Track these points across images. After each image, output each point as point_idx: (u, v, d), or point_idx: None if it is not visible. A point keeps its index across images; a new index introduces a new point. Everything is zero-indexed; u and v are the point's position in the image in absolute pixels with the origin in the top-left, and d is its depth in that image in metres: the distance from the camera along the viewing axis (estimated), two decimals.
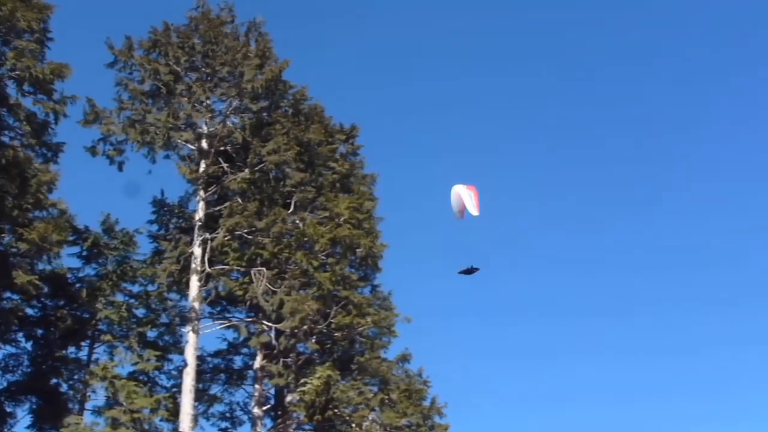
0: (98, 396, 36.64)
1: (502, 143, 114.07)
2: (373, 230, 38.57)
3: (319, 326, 35.52)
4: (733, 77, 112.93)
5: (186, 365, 35.19)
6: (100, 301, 38.92)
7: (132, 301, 40.12)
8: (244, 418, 40.41)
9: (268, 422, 37.85)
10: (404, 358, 37.33)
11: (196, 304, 35.80)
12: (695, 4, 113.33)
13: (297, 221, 36.88)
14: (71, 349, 39.83)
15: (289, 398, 36.52)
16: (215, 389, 40.74)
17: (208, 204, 37.54)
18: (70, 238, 38.75)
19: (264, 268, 35.57)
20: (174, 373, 39.59)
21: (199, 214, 37.06)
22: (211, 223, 37.14)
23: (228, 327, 38.25)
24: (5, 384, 37.99)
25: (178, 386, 36.58)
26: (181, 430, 34.04)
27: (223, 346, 40.61)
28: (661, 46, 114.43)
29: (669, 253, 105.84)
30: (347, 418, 34.52)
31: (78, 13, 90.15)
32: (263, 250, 35.79)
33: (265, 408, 37.54)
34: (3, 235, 34.18)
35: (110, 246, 40.67)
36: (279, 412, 37.62)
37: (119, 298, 39.92)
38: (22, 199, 33.54)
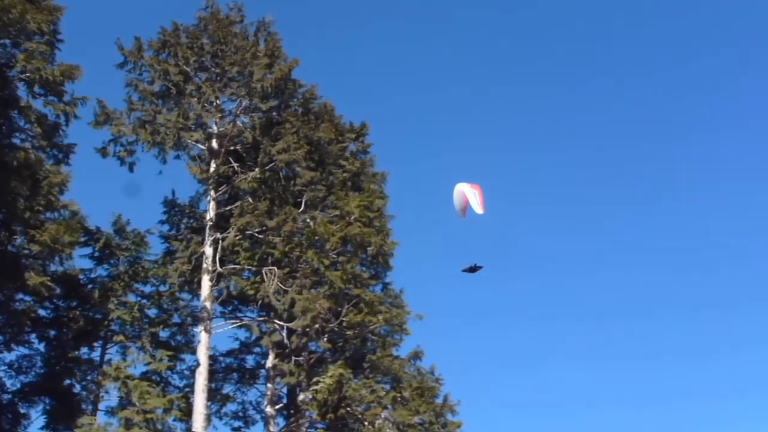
0: (111, 396, 36.83)
1: (512, 141, 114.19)
2: (384, 228, 38.55)
3: (330, 325, 35.53)
4: (734, 78, 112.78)
5: (198, 365, 35.24)
6: (112, 301, 38.98)
7: (144, 301, 40.16)
8: (257, 417, 40.51)
9: (281, 421, 37.92)
10: (416, 356, 37.33)
11: (208, 304, 35.84)
12: (696, 4, 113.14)
13: (308, 220, 36.90)
14: (84, 349, 39.97)
15: (301, 397, 36.57)
16: (228, 389, 40.86)
17: (219, 204, 37.59)
18: (82, 239, 38.82)
19: (275, 267, 35.59)
20: (186, 372, 39.68)
21: (210, 214, 37.10)
22: (222, 222, 37.18)
23: (240, 326, 38.29)
24: (19, 385, 38.15)
25: (191, 386, 36.61)
26: (194, 429, 34.09)
27: (235, 345, 40.75)
28: (663, 47, 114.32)
29: (679, 254, 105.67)
30: (360, 416, 34.51)
31: (88, 15, 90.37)
32: (274, 249, 35.81)
33: (277, 407, 37.59)
34: (15, 236, 34.26)
35: (122, 247, 40.73)
36: (291, 411, 37.67)
37: (131, 298, 39.98)
38: (34, 200, 33.61)
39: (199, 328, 35.89)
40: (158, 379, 38.43)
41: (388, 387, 35.83)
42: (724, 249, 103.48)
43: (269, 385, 37.49)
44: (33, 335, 38.69)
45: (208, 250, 36.39)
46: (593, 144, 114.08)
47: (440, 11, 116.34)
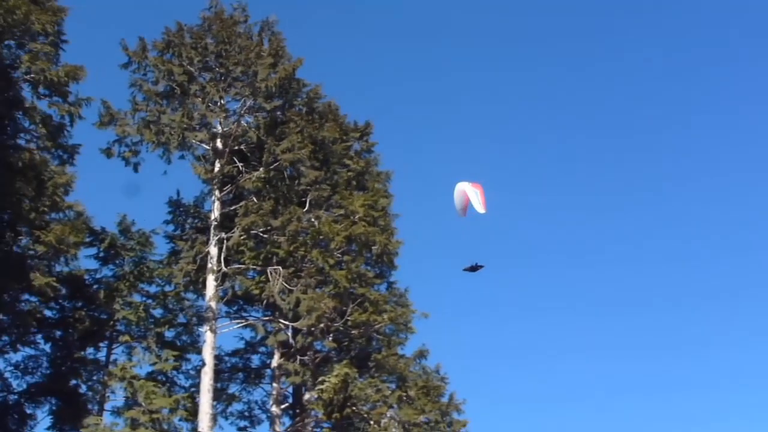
0: (117, 396, 36.94)
1: (517, 139, 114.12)
2: (389, 227, 38.56)
3: (335, 324, 35.54)
4: (732, 74, 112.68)
5: (204, 365, 35.28)
6: (117, 302, 39.05)
7: (149, 301, 40.24)
8: (263, 416, 40.57)
9: (287, 420, 37.92)
10: (421, 354, 37.32)
11: (213, 304, 35.86)
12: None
13: (312, 219, 36.89)
14: (90, 350, 40.02)
15: (307, 396, 36.57)
16: (233, 388, 40.93)
17: (224, 203, 37.62)
18: (87, 240, 38.90)
19: (280, 267, 35.60)
20: (192, 372, 39.73)
21: (215, 214, 37.13)
22: (226, 222, 37.21)
23: (245, 326, 38.30)
24: (25, 386, 38.18)
25: (197, 386, 36.68)
26: (200, 429, 34.12)
27: (241, 345, 40.80)
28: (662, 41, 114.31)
29: (679, 246, 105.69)
30: (365, 415, 34.52)
31: (92, 15, 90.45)
32: (279, 248, 35.83)
33: (283, 406, 37.60)
34: (20, 237, 34.33)
35: (127, 247, 40.78)
36: (297, 411, 37.69)
37: (136, 298, 40.05)
38: (39, 201, 33.69)
39: (205, 328, 35.92)
40: (164, 379, 38.52)
41: (393, 386, 35.83)
42: (725, 240, 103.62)
43: (275, 384, 37.50)
44: (39, 336, 38.74)
45: (213, 250, 36.42)
46: (595, 142, 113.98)
47: (444, 10, 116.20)
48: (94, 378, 39.60)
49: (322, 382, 34.32)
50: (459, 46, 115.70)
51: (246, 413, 40.84)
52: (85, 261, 39.72)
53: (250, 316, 39.27)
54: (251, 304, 39.14)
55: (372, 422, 34.24)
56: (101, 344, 40.23)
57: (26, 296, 36.41)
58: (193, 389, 38.24)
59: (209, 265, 36.19)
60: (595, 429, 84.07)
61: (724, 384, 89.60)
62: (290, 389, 38.42)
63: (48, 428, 37.61)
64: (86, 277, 40.25)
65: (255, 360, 41.27)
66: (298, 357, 35.77)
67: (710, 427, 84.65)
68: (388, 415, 34.54)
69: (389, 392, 35.03)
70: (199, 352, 37.79)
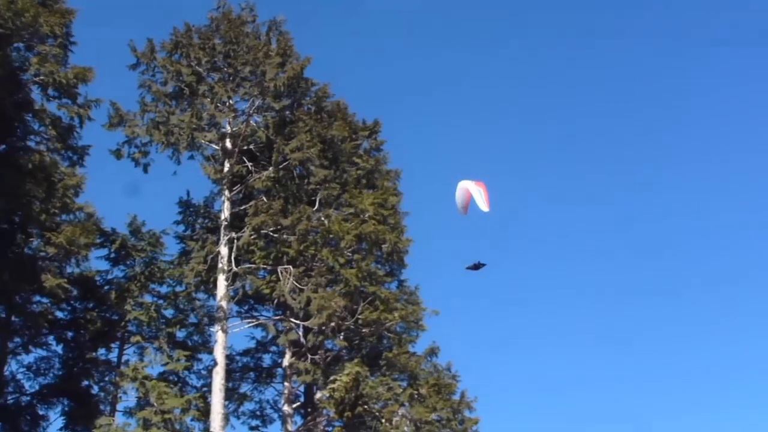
0: (129, 397, 36.92)
1: (523, 137, 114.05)
2: (399, 225, 38.56)
3: (346, 323, 35.53)
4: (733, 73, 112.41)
5: (215, 364, 35.31)
6: (128, 302, 39.13)
7: (160, 301, 40.34)
8: (275, 415, 40.66)
9: (298, 419, 37.95)
10: (432, 352, 37.30)
11: (224, 304, 35.90)
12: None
13: (322, 218, 36.89)
14: (101, 350, 40.14)
15: (318, 395, 36.59)
16: (245, 388, 41.05)
17: (234, 203, 37.66)
18: (98, 241, 38.95)
19: (290, 266, 35.61)
20: (204, 372, 39.84)
21: (225, 214, 37.17)
22: (236, 222, 37.25)
23: (256, 325, 38.35)
24: (37, 387, 38.31)
25: (208, 386, 36.75)
26: (212, 429, 34.15)
27: (252, 344, 40.89)
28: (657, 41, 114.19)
29: (680, 237, 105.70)
30: (377, 413, 34.50)
31: (100, 17, 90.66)
32: (289, 248, 35.84)
33: (294, 405, 37.63)
34: (31, 239, 34.46)
35: (137, 248, 40.87)
36: (309, 409, 37.72)
37: (148, 299, 40.16)
38: (50, 203, 33.80)
39: (216, 328, 35.95)
40: (176, 379, 38.60)
41: (404, 384, 35.79)
42: (726, 229, 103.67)
43: (286, 383, 37.52)
44: (51, 337, 38.90)
45: (224, 250, 36.46)
46: (599, 141, 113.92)
47: (451, 8, 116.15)
48: (106, 379, 39.76)
49: (333, 381, 34.31)
50: (466, 43, 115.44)
51: (258, 412, 40.96)
52: (96, 262, 39.96)
53: (261, 315, 39.36)
54: (262, 303, 39.21)
55: (383, 420, 34.22)
56: (113, 345, 40.35)
57: (38, 298, 36.57)
58: (204, 389, 38.30)
59: (220, 265, 36.23)
60: (606, 421, 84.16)
61: (727, 373, 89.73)
62: (302, 388, 38.46)
63: (60, 429, 37.79)
64: (97, 278, 40.37)
65: (266, 359, 41.43)
66: (309, 356, 35.77)
67: (716, 415, 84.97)
68: (400, 414, 34.53)
69: (400, 390, 35.01)
70: (210, 351, 37.84)
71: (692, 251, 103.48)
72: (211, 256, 36.77)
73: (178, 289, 40.25)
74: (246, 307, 39.88)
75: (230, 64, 38.13)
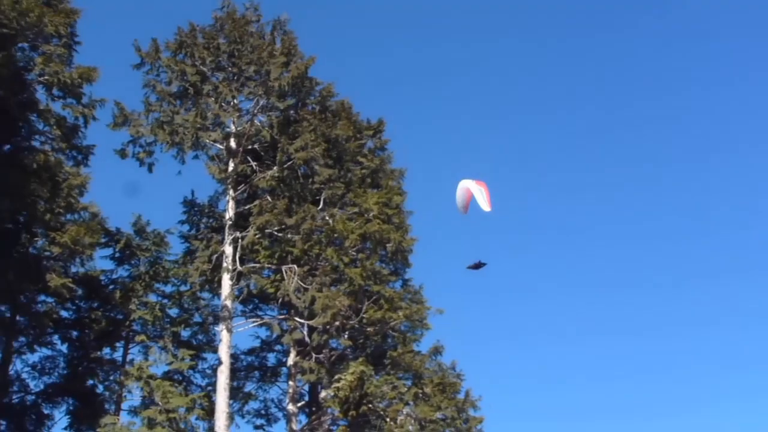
0: (134, 396, 37.01)
1: (527, 136, 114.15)
2: (403, 225, 38.58)
3: (351, 322, 35.57)
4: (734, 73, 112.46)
5: (220, 363, 35.34)
6: (133, 302, 39.14)
7: (165, 301, 40.33)
8: (279, 414, 40.72)
9: (303, 418, 37.99)
10: (436, 351, 37.35)
11: (229, 303, 35.93)
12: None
13: (327, 217, 36.93)
14: (106, 350, 40.19)
15: (323, 394, 36.60)
16: (249, 387, 41.11)
17: (238, 203, 37.68)
18: (103, 241, 38.98)
19: (295, 265, 35.65)
20: (208, 371, 39.89)
21: (229, 213, 37.20)
22: (241, 221, 37.27)
23: (260, 325, 38.36)
24: (42, 386, 38.35)
25: (213, 385, 36.77)
26: (216, 428, 34.17)
27: (256, 343, 40.99)
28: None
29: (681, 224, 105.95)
30: (381, 412, 34.54)
31: (104, 16, 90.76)
32: (293, 247, 35.86)
33: (299, 404, 37.66)
34: (36, 239, 34.49)
35: (142, 247, 40.87)
36: (313, 408, 37.75)
37: (152, 298, 40.16)
38: (54, 202, 33.82)
39: (221, 327, 35.98)
40: (180, 378, 38.61)
41: (409, 383, 35.85)
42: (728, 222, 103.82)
43: (291, 382, 37.56)
44: (55, 336, 38.95)
45: (228, 249, 36.49)
46: (600, 138, 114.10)
47: (456, 6, 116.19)
48: (111, 378, 39.81)
49: (338, 380, 34.36)
50: (471, 42, 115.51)
51: (262, 411, 41.01)
52: (100, 262, 40.00)
53: (266, 314, 39.39)
54: (266, 302, 39.26)
55: (388, 419, 34.27)
56: (117, 344, 40.38)
57: (42, 297, 36.59)
58: (209, 388, 38.34)
59: (224, 265, 36.27)
60: (614, 421, 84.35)
61: (730, 367, 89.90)
62: (306, 387, 38.49)
63: (65, 428, 37.89)
64: (102, 277, 40.41)
65: (271, 358, 41.48)
66: (314, 355, 35.82)
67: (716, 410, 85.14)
68: (404, 412, 34.56)
69: (405, 389, 35.04)
70: (215, 351, 37.90)
71: (695, 245, 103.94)
72: (216, 255, 36.81)
73: (182, 288, 40.30)
74: (250, 307, 39.91)
75: (234, 64, 38.15)
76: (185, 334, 40.37)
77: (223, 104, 37.66)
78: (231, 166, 37.55)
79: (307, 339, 36.22)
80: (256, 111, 37.92)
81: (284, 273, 35.74)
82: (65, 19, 34.69)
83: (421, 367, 36.12)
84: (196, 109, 37.25)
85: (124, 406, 38.57)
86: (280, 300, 36.10)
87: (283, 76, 37.38)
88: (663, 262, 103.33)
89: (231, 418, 36.31)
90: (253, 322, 38.24)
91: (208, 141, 37.27)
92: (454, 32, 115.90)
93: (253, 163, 37.63)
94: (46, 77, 34.05)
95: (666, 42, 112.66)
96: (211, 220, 39.51)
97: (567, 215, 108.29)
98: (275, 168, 37.00)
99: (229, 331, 35.85)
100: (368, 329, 36.42)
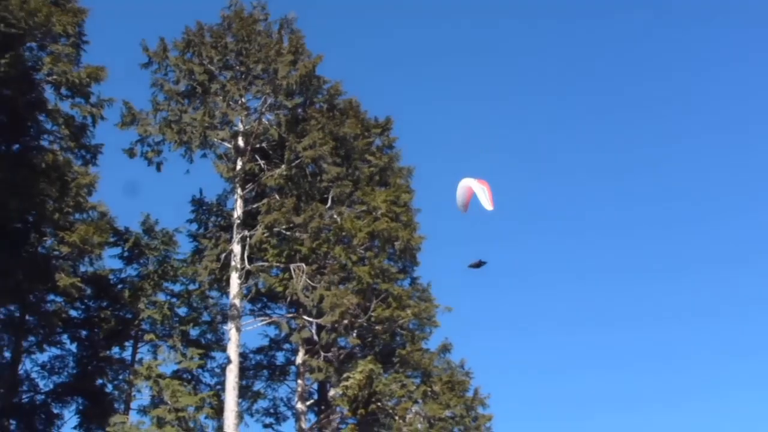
0: (143, 395, 37.00)
1: (536, 134, 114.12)
2: (411, 222, 38.57)
3: (359, 320, 35.57)
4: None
5: (229, 362, 35.35)
6: (142, 301, 39.16)
7: (174, 300, 40.31)
8: (288, 413, 40.73)
9: (312, 417, 37.99)
10: (445, 349, 37.36)
11: (237, 302, 35.95)
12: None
13: (335, 216, 36.91)
14: (115, 349, 40.21)
15: (331, 393, 36.62)
16: (258, 385, 41.12)
17: (246, 201, 37.69)
18: (111, 240, 39.02)
19: (303, 264, 35.64)
20: (217, 370, 39.87)
21: (238, 212, 37.21)
22: (249, 220, 37.29)
23: (269, 323, 38.39)
24: (52, 386, 38.43)
25: (222, 384, 36.76)
26: (225, 427, 34.19)
27: (265, 342, 41.02)
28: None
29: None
30: (390, 411, 34.54)
31: (112, 16, 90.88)
32: (302, 245, 35.85)
33: (308, 403, 37.67)
34: (45, 238, 34.54)
35: (151, 246, 40.88)
36: (322, 407, 37.75)
37: (161, 297, 40.15)
38: (63, 202, 33.86)
39: (229, 326, 35.98)
40: (189, 377, 38.63)
41: (418, 381, 35.86)
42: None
43: (299, 381, 37.58)
44: (64, 336, 39.02)
45: (236, 248, 36.50)
46: (609, 139, 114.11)
47: (462, 4, 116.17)
48: (120, 377, 39.86)
49: (346, 379, 34.36)
50: (477, 40, 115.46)
51: (271, 410, 41.03)
52: (109, 261, 40.01)
53: (274, 313, 39.44)
54: (275, 301, 39.26)
55: (397, 418, 34.27)
56: (126, 343, 40.40)
57: (51, 297, 36.66)
58: (218, 387, 38.35)
59: (233, 263, 36.28)
60: (619, 408, 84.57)
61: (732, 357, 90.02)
62: (315, 386, 38.48)
63: (75, 427, 37.95)
64: (111, 276, 40.43)
65: (279, 357, 41.52)
66: (323, 353, 35.83)
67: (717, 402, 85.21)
68: (413, 411, 34.56)
69: (414, 387, 35.04)
70: (223, 349, 37.89)
71: (696, 231, 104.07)
72: (224, 254, 36.82)
73: (191, 287, 40.27)
74: (259, 305, 39.92)
75: (242, 63, 38.16)
76: (194, 333, 40.38)
77: (230, 103, 37.67)
78: (239, 165, 37.56)
79: (315, 337, 36.25)
80: (263, 109, 37.92)
81: (292, 271, 35.73)
82: (73, 18, 34.71)
83: (429, 365, 36.11)
84: (204, 107, 37.27)
85: (134, 405, 38.59)
86: (288, 298, 36.07)
87: (290, 74, 37.38)
88: (676, 248, 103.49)
89: (240, 416, 36.35)
90: (262, 320, 38.28)
91: (216, 140, 37.28)
92: (461, 29, 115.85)
93: (261, 162, 37.63)
94: (54, 77, 34.08)
95: (665, 23, 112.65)
96: (219, 219, 39.53)
97: (575, 211, 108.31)
98: (283, 166, 36.99)
99: (238, 329, 35.87)
100: (377, 327, 36.42)
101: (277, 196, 37.08)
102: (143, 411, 36.33)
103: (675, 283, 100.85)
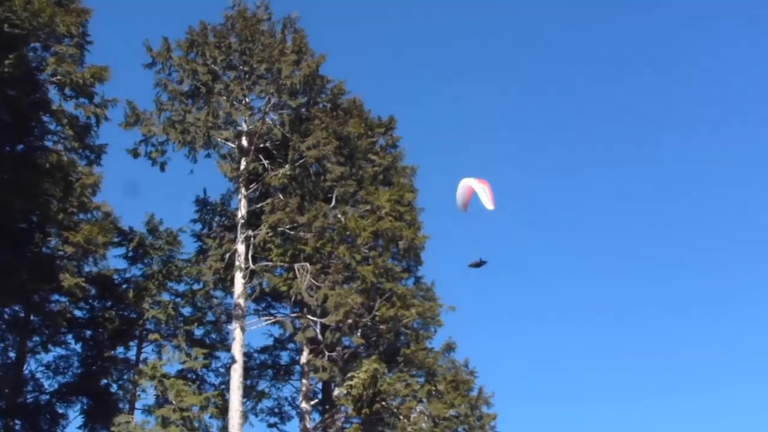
0: (148, 395, 36.90)
1: (541, 133, 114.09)
2: (415, 222, 38.58)
3: (363, 319, 35.58)
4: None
5: (233, 362, 35.34)
6: (146, 300, 39.21)
7: (178, 300, 40.40)
8: (293, 413, 40.76)
9: (317, 416, 38.02)
10: (449, 348, 37.37)
11: (242, 301, 35.94)
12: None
13: (338, 215, 36.93)
14: (120, 349, 40.33)
15: (336, 392, 36.63)
16: (263, 385, 41.18)
17: (250, 201, 37.69)
18: (116, 240, 39.11)
19: (307, 263, 35.63)
20: (222, 370, 39.93)
21: (242, 212, 37.21)
22: (253, 220, 37.28)
23: (273, 323, 38.40)
24: (56, 385, 38.50)
25: (226, 383, 36.81)
26: (230, 426, 34.20)
27: (269, 342, 41.03)
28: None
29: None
30: (395, 410, 34.53)
31: (115, 16, 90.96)
32: (306, 245, 35.86)
33: (312, 402, 37.69)
34: (49, 238, 34.58)
35: (155, 246, 40.94)
36: (327, 406, 37.77)
37: (165, 297, 40.23)
38: (67, 202, 33.93)
39: (234, 326, 35.98)
40: (194, 377, 38.69)
41: (422, 380, 35.84)
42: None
43: (304, 380, 37.59)
44: (69, 336, 39.06)
45: (241, 248, 36.50)
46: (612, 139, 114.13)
47: (463, 4, 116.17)
48: (125, 377, 39.92)
49: (351, 378, 34.35)
50: (482, 38, 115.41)
51: (276, 410, 41.06)
52: (113, 261, 40.05)
53: (279, 312, 39.43)
54: (279, 301, 39.25)
55: (401, 417, 34.26)
56: (131, 343, 40.50)
57: (56, 297, 36.72)
58: (222, 387, 38.41)
59: (237, 263, 36.27)
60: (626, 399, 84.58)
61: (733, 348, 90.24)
62: (319, 385, 38.52)
63: (79, 427, 37.96)
64: (115, 276, 40.49)
65: (284, 356, 41.55)
66: (327, 353, 35.81)
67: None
68: (418, 410, 34.56)
69: (418, 387, 35.03)
70: (228, 349, 37.95)
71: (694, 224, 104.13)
72: (229, 253, 36.82)
73: (195, 287, 40.29)
74: (263, 305, 39.93)
75: (246, 62, 38.16)
76: (198, 332, 40.46)
77: (234, 103, 37.69)
78: (243, 165, 37.56)
79: (319, 337, 36.27)
80: (267, 109, 37.92)
81: (297, 271, 35.73)
82: (77, 18, 34.74)
83: (434, 365, 36.11)
84: (207, 107, 37.27)
85: (138, 405, 38.66)
86: (292, 298, 36.09)
87: (294, 74, 37.37)
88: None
89: (244, 416, 36.38)
90: (266, 320, 38.27)
91: (219, 139, 37.28)
92: (465, 29, 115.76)
93: (265, 162, 37.62)
94: (58, 77, 34.12)
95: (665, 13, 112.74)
96: (223, 219, 39.56)
97: (578, 207, 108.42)
98: (287, 166, 36.99)
99: (242, 329, 35.86)
100: (381, 327, 36.42)
101: (281, 196, 37.07)
102: (148, 411, 36.28)
103: (677, 277, 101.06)
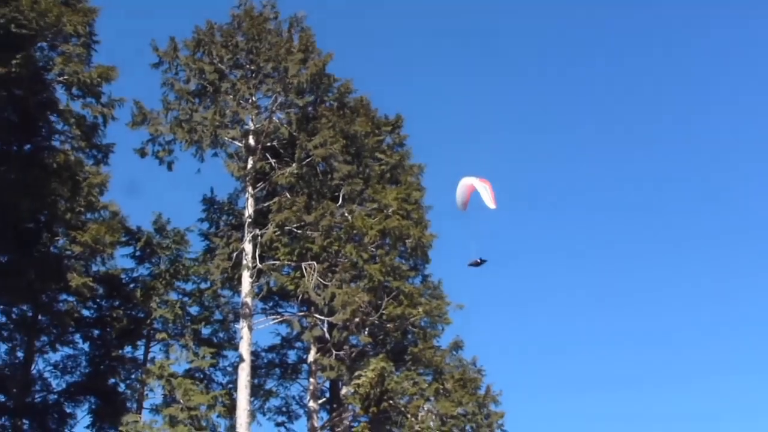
0: (155, 394, 36.98)
1: (545, 133, 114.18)
2: (422, 220, 38.55)
3: (371, 318, 35.55)
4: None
5: (241, 361, 35.36)
6: (154, 300, 39.21)
7: (186, 299, 40.38)
8: (300, 411, 40.76)
9: (324, 415, 38.03)
10: (457, 346, 37.34)
11: (249, 300, 35.95)
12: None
13: (346, 214, 36.91)
14: (127, 348, 40.35)
15: (343, 391, 36.60)
16: (270, 384, 41.16)
17: (257, 200, 37.69)
18: (123, 239, 39.10)
19: (314, 262, 35.63)
20: (229, 369, 39.93)
21: (249, 211, 37.21)
22: (260, 218, 37.30)
23: (281, 322, 38.37)
24: (64, 385, 38.56)
25: (234, 382, 36.82)
26: (238, 425, 34.21)
27: (277, 340, 41.06)
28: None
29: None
30: (402, 408, 34.50)
31: (122, 15, 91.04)
32: (313, 244, 35.85)
33: (320, 401, 37.69)
34: (57, 238, 34.64)
35: (162, 245, 40.93)
36: (334, 405, 37.79)
37: (173, 296, 40.19)
38: (75, 201, 33.97)
39: (241, 325, 35.99)
40: (201, 376, 38.66)
41: (430, 379, 35.83)
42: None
43: (311, 379, 37.59)
44: (77, 335, 39.12)
45: (248, 247, 36.50)
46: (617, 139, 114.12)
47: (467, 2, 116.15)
48: (132, 376, 39.96)
49: (358, 377, 34.34)
50: (485, 37, 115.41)
51: (283, 408, 41.07)
52: (121, 260, 40.09)
53: (286, 311, 39.40)
54: (286, 299, 39.25)
55: (409, 415, 34.24)
56: (139, 342, 40.51)
57: (64, 296, 36.80)
58: (230, 386, 38.40)
59: (244, 262, 36.28)
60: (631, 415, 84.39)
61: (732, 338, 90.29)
62: (327, 384, 38.52)
63: (87, 427, 38.04)
64: (123, 276, 40.50)
65: (291, 355, 41.54)
66: (334, 352, 35.79)
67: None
68: (425, 408, 34.53)
69: (426, 385, 35.01)
70: (235, 348, 37.96)
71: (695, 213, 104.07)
72: (236, 253, 36.82)
73: (203, 286, 40.32)
74: (271, 304, 39.93)
75: (252, 61, 38.17)
76: (206, 331, 40.47)
77: (241, 102, 37.70)
78: (250, 164, 37.57)
79: (327, 336, 36.23)
80: (274, 108, 37.92)
81: (304, 270, 35.73)
82: (83, 18, 34.77)
83: (441, 363, 36.09)
84: (214, 106, 37.28)
85: (146, 404, 38.72)
86: (299, 297, 36.05)
87: (301, 72, 37.39)
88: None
89: (252, 415, 36.39)
90: (274, 319, 38.27)
91: (226, 138, 37.28)
92: (470, 26, 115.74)
93: (272, 160, 37.63)
94: (65, 77, 34.15)
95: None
96: (230, 218, 39.58)
97: (582, 203, 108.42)
98: (294, 165, 36.98)
99: (250, 328, 35.88)
100: (388, 325, 36.40)
101: (288, 195, 37.06)
102: (155, 410, 36.38)
103: (678, 269, 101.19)
